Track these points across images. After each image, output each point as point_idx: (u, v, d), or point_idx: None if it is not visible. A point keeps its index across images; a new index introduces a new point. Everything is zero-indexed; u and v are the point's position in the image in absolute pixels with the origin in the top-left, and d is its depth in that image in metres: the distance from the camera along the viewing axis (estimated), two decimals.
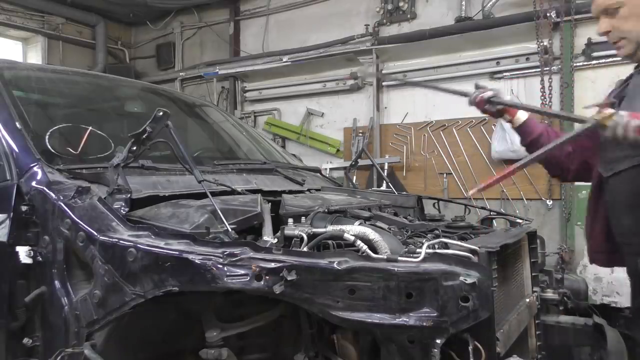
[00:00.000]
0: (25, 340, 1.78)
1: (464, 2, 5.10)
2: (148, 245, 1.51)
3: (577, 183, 4.04)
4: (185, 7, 6.92)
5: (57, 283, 1.71)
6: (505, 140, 4.63)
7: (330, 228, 1.74)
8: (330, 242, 1.67)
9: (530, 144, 2.04)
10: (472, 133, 5.07)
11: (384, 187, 3.68)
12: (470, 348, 1.44)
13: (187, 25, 7.20)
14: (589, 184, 2.01)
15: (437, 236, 1.99)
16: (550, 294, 2.34)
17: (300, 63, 5.90)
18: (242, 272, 1.41)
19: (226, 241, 1.54)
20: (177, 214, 1.73)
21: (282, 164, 2.99)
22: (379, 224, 2.02)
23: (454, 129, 5.16)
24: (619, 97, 1.81)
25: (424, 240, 1.80)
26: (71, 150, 2.05)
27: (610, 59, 4.35)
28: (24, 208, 1.82)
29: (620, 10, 1.46)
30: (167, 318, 1.74)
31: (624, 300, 3.99)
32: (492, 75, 4.96)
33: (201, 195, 1.88)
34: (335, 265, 1.40)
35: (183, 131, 3.14)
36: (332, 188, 2.94)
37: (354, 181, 3.96)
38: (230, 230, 1.61)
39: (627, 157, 1.66)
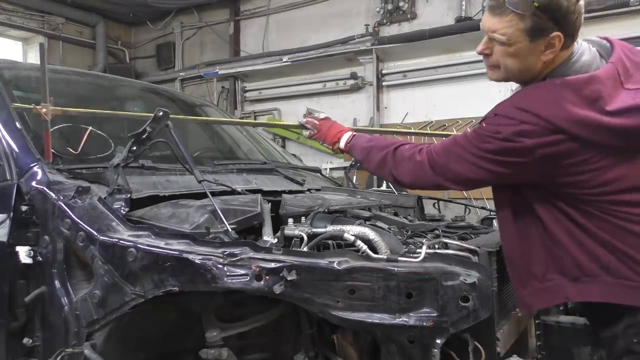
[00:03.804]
0: (25, 340, 1.78)
1: (464, 2, 5.10)
2: (148, 245, 1.51)
3: None
4: (185, 7, 6.92)
5: (57, 283, 1.71)
6: None
7: (330, 228, 1.74)
8: (330, 242, 1.67)
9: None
10: None
11: (384, 187, 3.68)
12: (470, 348, 1.44)
13: (187, 25, 7.20)
14: None
15: (437, 236, 1.99)
16: None
17: (300, 63, 5.89)
18: (242, 272, 1.41)
19: (226, 241, 1.54)
20: (177, 214, 1.73)
21: (282, 164, 3.00)
22: (379, 224, 2.02)
23: (454, 129, 5.15)
24: None
25: (424, 240, 1.80)
26: (71, 150, 2.05)
27: None
28: (24, 208, 1.82)
29: (509, 47, 1.48)
30: (167, 318, 1.73)
31: None
32: None
33: (201, 195, 1.88)
34: (335, 265, 1.40)
35: (183, 131, 3.13)
36: (332, 188, 2.94)
37: (354, 181, 3.96)
38: (230, 230, 1.61)
39: None
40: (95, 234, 1.61)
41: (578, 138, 1.39)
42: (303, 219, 1.87)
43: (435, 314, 1.37)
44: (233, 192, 2.11)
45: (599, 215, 1.45)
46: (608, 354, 1.59)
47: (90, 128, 2.13)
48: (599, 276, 1.46)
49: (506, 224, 1.60)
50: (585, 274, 1.47)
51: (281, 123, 5.32)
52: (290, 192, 2.44)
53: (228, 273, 1.41)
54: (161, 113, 1.80)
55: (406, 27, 5.54)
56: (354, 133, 1.96)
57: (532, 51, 1.46)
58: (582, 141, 1.39)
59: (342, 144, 1.94)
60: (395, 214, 2.58)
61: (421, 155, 1.63)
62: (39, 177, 1.88)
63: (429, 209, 3.09)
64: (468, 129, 1.64)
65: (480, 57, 1.62)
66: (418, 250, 1.50)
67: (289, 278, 1.38)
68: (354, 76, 5.73)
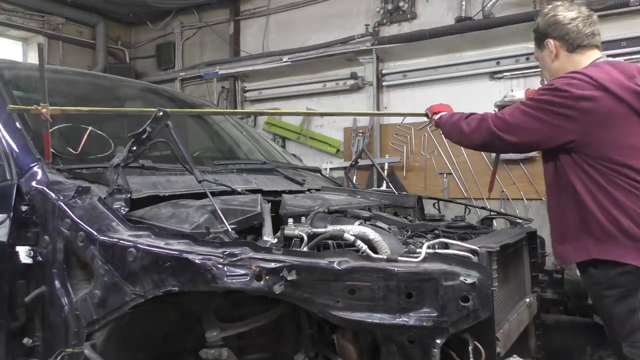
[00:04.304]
0: (25, 340, 1.78)
1: (464, 2, 5.10)
2: (148, 245, 1.51)
3: None
4: (185, 7, 6.91)
5: (57, 283, 1.71)
6: None
7: (330, 228, 1.74)
8: (330, 242, 1.67)
9: None
10: None
11: (384, 187, 3.68)
12: (470, 348, 1.44)
13: (187, 25, 7.20)
14: None
15: (437, 236, 1.99)
16: (550, 294, 2.34)
17: (300, 63, 5.89)
18: (242, 272, 1.41)
19: (226, 241, 1.54)
20: (177, 214, 1.73)
21: (282, 164, 3.00)
22: (379, 224, 2.02)
23: None
24: None
25: (424, 240, 1.80)
26: (71, 150, 2.05)
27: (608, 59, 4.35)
28: (24, 208, 1.82)
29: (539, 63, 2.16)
30: (167, 318, 1.73)
31: None
32: (492, 75, 4.95)
33: (201, 195, 1.88)
34: (335, 265, 1.40)
35: (183, 131, 3.14)
36: (332, 188, 2.94)
37: (354, 181, 3.97)
38: (230, 230, 1.61)
39: None
40: (95, 234, 1.61)
41: (616, 97, 1.81)
42: (303, 219, 1.88)
43: (435, 314, 1.37)
44: (233, 192, 2.11)
45: (615, 180, 1.80)
46: (619, 331, 1.81)
47: (90, 128, 2.13)
48: (619, 238, 1.80)
49: (550, 191, 2.03)
50: (608, 235, 1.81)
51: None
52: (290, 192, 2.44)
53: (228, 273, 1.41)
54: (161, 113, 1.80)
55: (406, 27, 5.53)
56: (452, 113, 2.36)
57: (544, 59, 2.07)
58: (618, 100, 1.81)
59: (436, 117, 2.39)
60: (395, 214, 2.58)
61: (486, 115, 2.05)
62: (39, 177, 1.88)
63: (429, 209, 3.09)
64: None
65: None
66: (418, 250, 1.50)
67: (289, 278, 1.38)
68: (354, 76, 5.73)
